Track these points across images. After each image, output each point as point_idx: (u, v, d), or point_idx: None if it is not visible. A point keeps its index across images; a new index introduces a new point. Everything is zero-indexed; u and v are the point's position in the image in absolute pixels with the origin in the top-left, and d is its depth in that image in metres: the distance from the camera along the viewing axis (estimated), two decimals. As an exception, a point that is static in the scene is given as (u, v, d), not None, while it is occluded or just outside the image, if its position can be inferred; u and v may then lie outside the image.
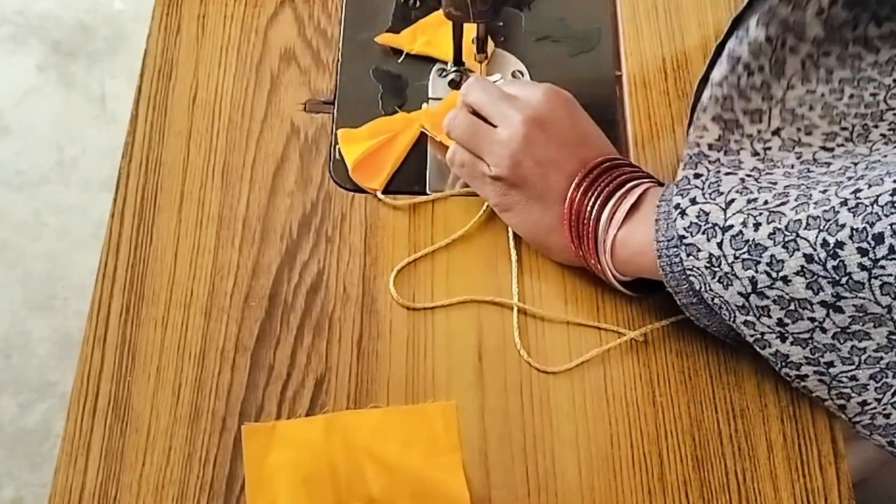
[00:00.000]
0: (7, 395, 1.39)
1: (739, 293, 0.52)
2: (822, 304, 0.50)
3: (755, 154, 0.56)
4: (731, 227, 0.52)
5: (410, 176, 0.67)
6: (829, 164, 0.55)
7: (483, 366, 0.59)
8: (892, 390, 0.54)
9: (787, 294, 0.51)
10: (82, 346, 0.59)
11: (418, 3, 0.64)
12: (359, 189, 0.65)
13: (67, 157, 1.58)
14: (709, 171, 0.56)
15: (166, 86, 0.69)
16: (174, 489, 0.55)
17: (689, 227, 0.54)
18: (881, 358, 0.52)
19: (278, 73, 0.70)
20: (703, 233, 0.53)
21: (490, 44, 0.71)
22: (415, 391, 0.59)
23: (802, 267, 0.50)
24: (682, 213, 0.54)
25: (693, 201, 0.54)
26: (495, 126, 0.60)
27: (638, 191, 0.58)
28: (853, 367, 0.53)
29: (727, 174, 0.55)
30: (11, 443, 1.36)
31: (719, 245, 0.52)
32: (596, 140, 0.61)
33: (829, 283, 0.49)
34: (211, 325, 0.60)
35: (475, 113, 0.62)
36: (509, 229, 0.63)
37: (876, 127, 0.58)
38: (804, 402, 0.59)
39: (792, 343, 0.53)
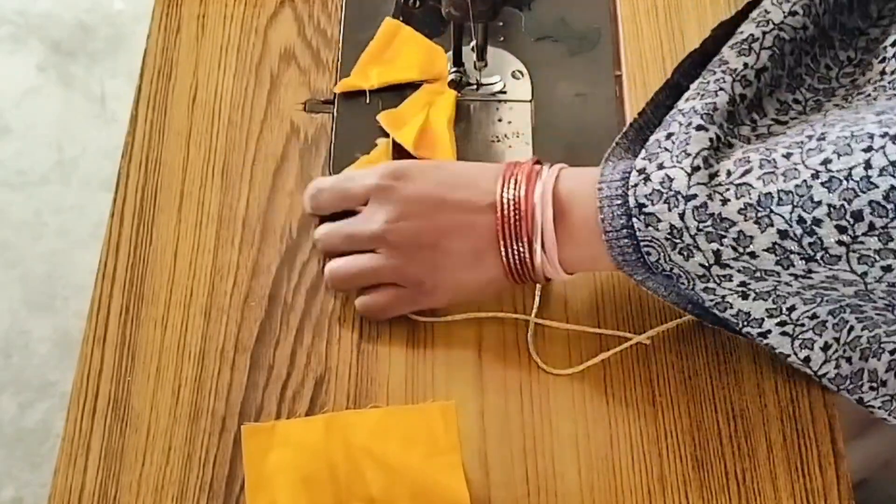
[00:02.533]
0: (7, 395, 1.39)
1: (701, 264, 0.51)
2: (792, 275, 0.49)
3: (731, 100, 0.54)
4: (695, 196, 0.50)
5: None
6: (785, 132, 0.54)
7: (483, 366, 0.59)
8: (848, 327, 0.53)
9: (754, 266, 0.50)
10: (82, 346, 0.59)
11: (418, 3, 0.64)
12: (359, 189, 0.65)
13: (67, 157, 1.58)
14: (681, 125, 0.53)
15: (166, 86, 0.69)
16: (174, 489, 0.55)
17: (650, 194, 0.51)
18: (842, 299, 0.51)
19: (278, 73, 0.70)
20: (665, 202, 0.50)
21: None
22: (414, 391, 0.59)
23: (775, 244, 0.48)
24: (646, 179, 0.51)
25: (660, 166, 0.51)
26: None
27: (552, 175, 0.55)
28: (814, 305, 0.52)
29: (698, 128, 0.52)
30: (11, 443, 1.36)
31: (681, 216, 0.50)
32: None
33: (802, 259, 0.48)
34: (211, 325, 0.60)
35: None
36: None
37: (829, 101, 0.57)
38: (804, 402, 0.59)
39: (754, 299, 0.52)
